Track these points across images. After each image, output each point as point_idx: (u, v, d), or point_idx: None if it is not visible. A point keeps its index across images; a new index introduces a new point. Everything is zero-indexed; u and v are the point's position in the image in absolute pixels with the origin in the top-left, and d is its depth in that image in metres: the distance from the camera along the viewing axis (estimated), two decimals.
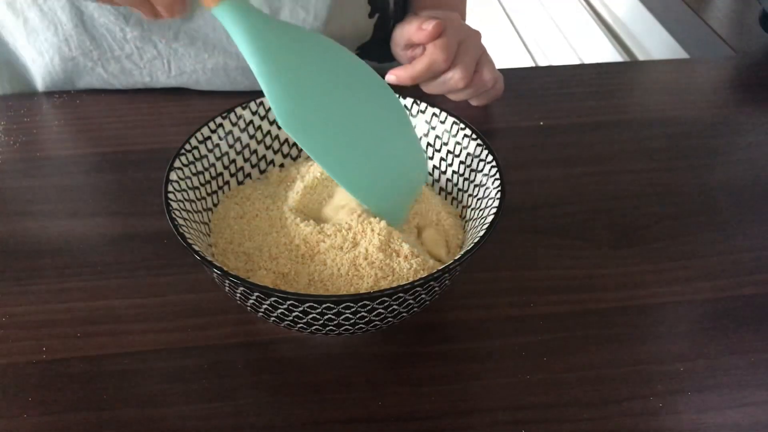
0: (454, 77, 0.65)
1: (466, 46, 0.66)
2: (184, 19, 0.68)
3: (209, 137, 0.53)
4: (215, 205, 0.53)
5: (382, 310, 0.44)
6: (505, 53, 1.81)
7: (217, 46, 0.70)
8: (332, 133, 0.48)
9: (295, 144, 0.58)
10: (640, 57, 1.27)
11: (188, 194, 0.50)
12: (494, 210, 0.48)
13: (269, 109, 0.56)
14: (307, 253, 0.49)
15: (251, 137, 0.56)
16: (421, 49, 0.65)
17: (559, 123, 0.71)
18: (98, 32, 0.68)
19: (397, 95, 0.53)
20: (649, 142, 0.69)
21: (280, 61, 0.45)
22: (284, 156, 0.58)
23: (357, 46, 0.77)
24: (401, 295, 0.43)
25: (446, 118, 0.55)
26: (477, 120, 0.70)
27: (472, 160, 0.54)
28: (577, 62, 1.55)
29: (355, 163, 0.49)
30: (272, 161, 0.57)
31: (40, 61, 0.71)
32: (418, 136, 0.55)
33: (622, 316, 0.53)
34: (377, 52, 0.78)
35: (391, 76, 0.65)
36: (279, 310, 0.44)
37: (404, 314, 0.46)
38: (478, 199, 0.52)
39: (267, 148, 0.57)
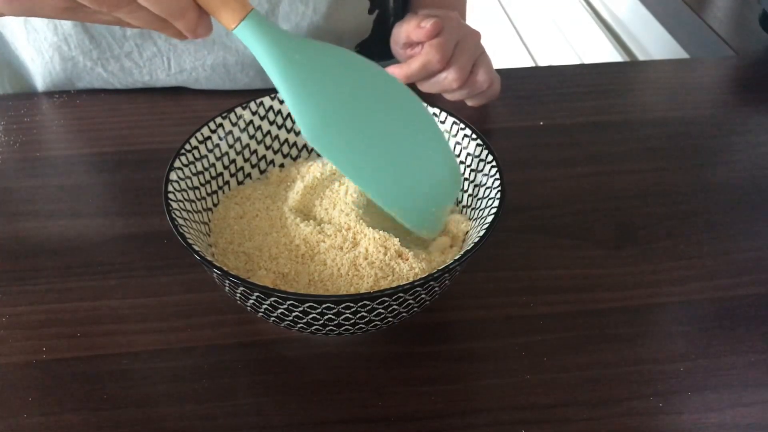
0: (448, 77, 0.65)
1: (463, 47, 0.66)
2: None
3: (209, 137, 0.53)
4: (215, 205, 0.53)
5: (382, 310, 0.44)
6: (505, 53, 1.81)
7: (216, 42, 0.70)
8: (359, 146, 0.48)
9: (295, 144, 0.58)
10: (640, 57, 1.28)
11: (188, 194, 0.50)
12: (494, 210, 0.48)
13: (269, 108, 0.56)
14: (307, 253, 0.49)
15: (251, 137, 0.56)
16: (420, 48, 0.65)
17: (559, 123, 0.71)
18: (97, 31, 0.68)
19: (426, 104, 0.52)
20: (649, 142, 0.69)
21: (304, 77, 0.45)
22: (284, 156, 0.58)
23: (357, 43, 0.77)
24: (401, 295, 0.43)
25: (446, 118, 0.55)
26: (477, 120, 0.70)
27: (472, 160, 0.54)
28: (577, 62, 1.55)
29: (385, 176, 0.49)
30: (272, 161, 0.57)
31: (39, 60, 0.71)
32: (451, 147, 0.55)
33: (622, 316, 0.53)
34: (377, 49, 0.78)
35: None
36: (279, 310, 0.44)
37: (404, 314, 0.46)
38: (478, 199, 0.52)
39: (267, 148, 0.57)
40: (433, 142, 0.51)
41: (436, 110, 0.55)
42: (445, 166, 0.52)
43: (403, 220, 0.50)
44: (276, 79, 0.45)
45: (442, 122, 0.55)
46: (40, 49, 0.70)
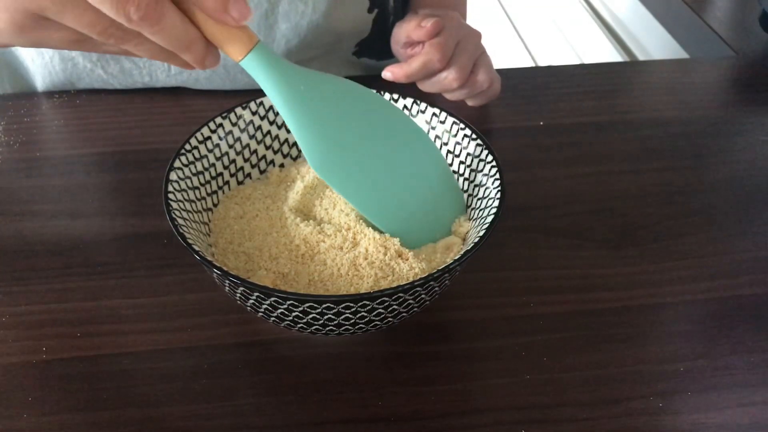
0: (449, 77, 0.64)
1: (463, 46, 0.66)
2: None
3: (209, 137, 0.53)
4: (215, 205, 0.53)
5: (382, 310, 0.44)
6: (505, 53, 1.81)
7: None
8: (365, 175, 0.49)
9: (295, 144, 0.58)
10: (640, 57, 1.28)
11: (188, 194, 0.50)
12: (494, 210, 0.48)
13: (269, 108, 0.56)
14: (307, 253, 0.49)
15: (251, 137, 0.56)
16: (420, 47, 0.65)
17: (559, 123, 0.71)
18: None
19: (428, 134, 0.53)
20: (649, 142, 0.69)
21: (310, 108, 0.46)
22: (284, 156, 0.58)
23: (356, 42, 0.77)
24: (401, 295, 0.43)
25: (446, 118, 0.55)
26: (477, 120, 0.70)
27: (472, 160, 0.54)
28: (577, 62, 1.55)
29: (390, 203, 0.50)
30: (272, 161, 0.57)
31: (39, 60, 0.71)
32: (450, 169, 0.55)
33: (622, 316, 0.53)
34: (376, 48, 0.78)
35: (387, 73, 0.65)
36: (279, 310, 0.44)
37: (404, 314, 0.46)
38: (478, 199, 0.52)
39: (267, 148, 0.57)
40: (437, 171, 0.52)
41: (436, 110, 0.55)
42: (448, 193, 0.53)
43: (408, 245, 0.50)
44: (283, 111, 0.45)
45: (442, 122, 0.55)
46: (40, 50, 0.70)
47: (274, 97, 0.45)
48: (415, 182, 0.51)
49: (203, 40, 0.42)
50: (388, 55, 0.78)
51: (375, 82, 0.62)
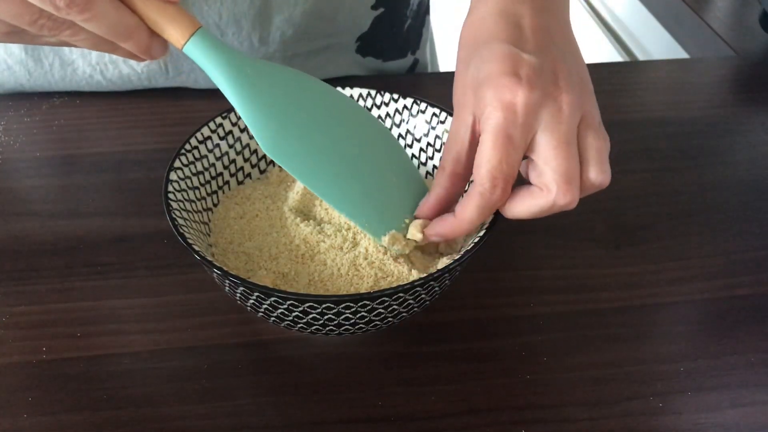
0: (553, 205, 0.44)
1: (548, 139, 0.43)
2: None
3: (209, 137, 0.53)
4: (215, 205, 0.53)
5: (382, 310, 0.44)
6: None
7: None
8: (319, 158, 0.47)
9: None
10: (640, 57, 1.28)
11: (188, 194, 0.50)
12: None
13: None
14: (307, 253, 0.49)
15: (251, 137, 0.56)
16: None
17: None
18: None
19: (382, 121, 0.52)
20: (649, 142, 0.69)
21: (258, 90, 0.45)
22: None
23: (356, 36, 0.75)
24: (401, 295, 0.43)
25: (446, 118, 0.55)
26: None
27: None
28: None
29: (348, 189, 0.48)
30: (272, 161, 0.57)
31: (39, 71, 0.70)
32: (413, 142, 0.54)
33: (622, 316, 0.53)
34: (381, 47, 0.77)
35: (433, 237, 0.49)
36: (279, 310, 0.44)
37: (404, 314, 0.46)
38: None
39: None
40: (395, 159, 0.51)
41: (436, 110, 0.55)
42: (407, 181, 0.51)
43: (369, 232, 0.48)
44: (228, 93, 0.44)
45: (443, 122, 0.55)
46: (40, 58, 0.69)
47: (219, 80, 0.44)
48: (372, 170, 0.49)
49: (144, 28, 0.41)
50: (394, 56, 0.78)
51: (377, 82, 0.63)
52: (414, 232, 0.48)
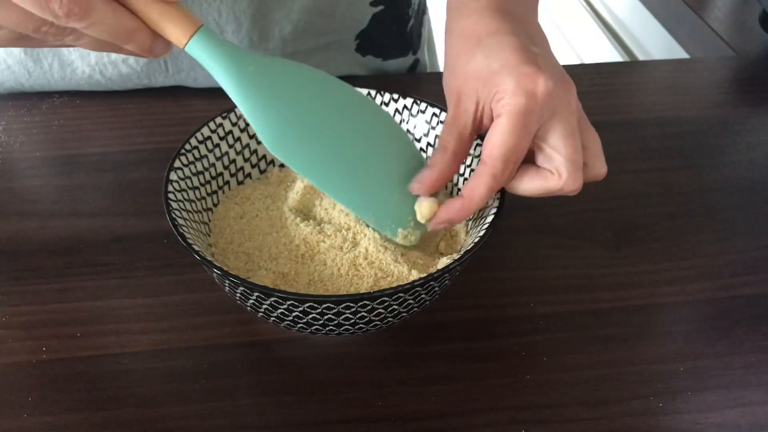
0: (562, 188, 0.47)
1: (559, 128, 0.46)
2: None
3: (209, 137, 0.53)
4: (215, 205, 0.53)
5: (382, 310, 0.44)
6: None
7: None
8: (323, 154, 0.47)
9: None
10: (640, 57, 1.28)
11: (188, 194, 0.50)
12: (494, 210, 0.48)
13: None
14: (307, 253, 0.49)
15: (251, 137, 0.56)
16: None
17: None
18: None
19: (386, 109, 0.52)
20: (649, 142, 0.69)
21: (261, 87, 0.45)
22: None
23: (355, 34, 0.75)
24: (401, 295, 0.43)
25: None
26: None
27: (472, 160, 0.54)
28: (577, 62, 1.55)
29: (353, 183, 0.48)
30: (272, 161, 0.57)
31: (38, 71, 0.70)
32: (416, 145, 0.54)
33: (622, 316, 0.53)
34: (381, 45, 0.77)
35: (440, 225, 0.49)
36: (279, 310, 0.44)
37: (404, 314, 0.46)
38: None
39: None
40: (401, 149, 0.51)
41: (437, 110, 0.55)
42: (414, 171, 0.50)
43: (376, 226, 0.49)
44: (231, 91, 0.44)
45: (443, 122, 0.55)
46: (39, 59, 0.69)
47: (222, 79, 0.44)
48: (380, 164, 0.49)
49: (145, 29, 0.41)
50: (395, 55, 0.78)
51: (377, 82, 0.63)
52: (425, 214, 0.48)
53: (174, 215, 0.46)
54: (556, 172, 0.46)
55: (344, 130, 0.48)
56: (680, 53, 1.03)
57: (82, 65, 0.69)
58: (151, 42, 0.42)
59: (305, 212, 0.52)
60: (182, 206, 0.48)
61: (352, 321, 0.45)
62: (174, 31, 0.42)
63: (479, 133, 0.49)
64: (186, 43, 0.42)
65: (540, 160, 0.47)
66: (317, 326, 0.45)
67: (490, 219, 0.47)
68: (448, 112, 0.49)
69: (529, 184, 0.47)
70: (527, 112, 0.44)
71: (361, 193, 0.48)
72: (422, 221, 0.49)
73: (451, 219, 0.47)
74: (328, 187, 0.48)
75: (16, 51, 0.69)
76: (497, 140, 0.44)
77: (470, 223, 0.52)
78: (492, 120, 0.46)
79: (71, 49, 0.68)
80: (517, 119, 0.44)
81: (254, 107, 0.45)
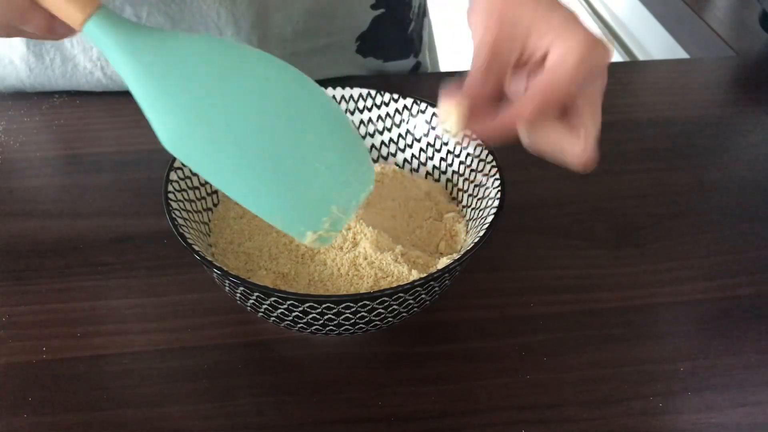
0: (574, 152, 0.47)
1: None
2: (178, 18, 0.67)
3: None
4: (215, 205, 0.53)
5: (382, 310, 0.44)
6: None
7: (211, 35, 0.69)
8: (233, 150, 0.42)
9: None
10: (640, 57, 1.27)
11: (188, 194, 0.50)
12: (494, 210, 0.48)
13: None
14: (307, 253, 0.49)
15: None
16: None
17: None
18: None
19: (327, 92, 0.47)
20: (649, 142, 0.69)
21: (161, 75, 0.41)
22: None
23: (356, 35, 0.75)
24: (401, 295, 0.43)
25: None
26: None
27: (472, 160, 0.54)
28: None
29: (267, 181, 0.43)
30: None
31: (40, 67, 0.70)
32: (362, 136, 0.50)
33: (622, 316, 0.53)
34: (382, 47, 0.77)
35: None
36: (279, 310, 0.44)
37: (404, 314, 0.46)
38: (478, 199, 0.52)
39: None
40: (339, 139, 0.46)
41: (437, 110, 0.55)
42: (352, 161, 0.46)
43: (284, 228, 0.44)
44: (127, 79, 0.41)
45: None
46: (41, 54, 0.69)
47: (118, 67, 0.40)
48: (301, 157, 0.44)
49: (38, 8, 0.40)
50: (396, 57, 0.78)
51: (377, 82, 0.63)
52: (453, 123, 0.46)
53: (174, 215, 0.46)
54: (581, 136, 0.45)
55: (263, 123, 0.43)
56: (680, 53, 1.03)
57: (83, 60, 0.69)
58: (47, 23, 0.40)
59: None
60: (182, 206, 0.48)
61: (352, 321, 0.45)
62: (69, 11, 0.39)
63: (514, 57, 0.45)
64: (82, 25, 0.39)
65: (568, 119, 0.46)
66: (317, 326, 0.45)
67: (490, 219, 0.47)
68: (479, 31, 0.45)
69: (551, 132, 0.46)
70: (589, 62, 0.43)
71: (270, 193, 0.44)
72: (448, 130, 0.46)
73: (491, 132, 0.46)
74: (232, 188, 0.43)
75: (19, 46, 0.69)
76: (559, 70, 0.43)
77: (470, 223, 0.52)
78: (535, 60, 0.45)
79: (74, 43, 0.69)
80: (581, 62, 0.43)
81: (151, 97, 0.41)
